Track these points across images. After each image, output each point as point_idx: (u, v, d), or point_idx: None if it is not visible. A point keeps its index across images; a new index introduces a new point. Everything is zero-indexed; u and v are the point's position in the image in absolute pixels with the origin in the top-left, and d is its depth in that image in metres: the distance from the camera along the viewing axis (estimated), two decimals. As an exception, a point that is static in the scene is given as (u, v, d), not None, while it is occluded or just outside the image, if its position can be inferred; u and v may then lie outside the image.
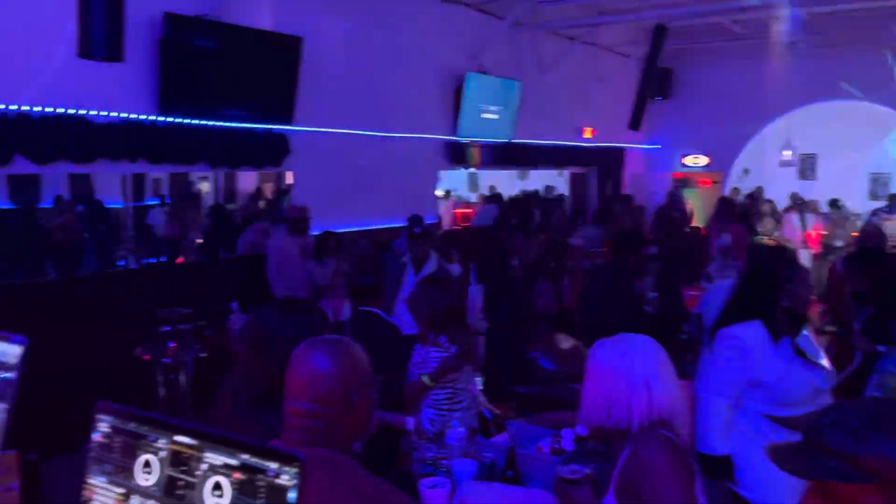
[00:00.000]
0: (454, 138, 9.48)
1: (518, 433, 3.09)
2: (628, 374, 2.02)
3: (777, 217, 11.05)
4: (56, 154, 5.42)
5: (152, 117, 5.99)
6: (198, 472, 1.01)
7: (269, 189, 10.10)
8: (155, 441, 1.06)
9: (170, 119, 6.09)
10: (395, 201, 8.36)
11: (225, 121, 6.49)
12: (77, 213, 7.98)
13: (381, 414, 2.89)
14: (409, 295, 3.61)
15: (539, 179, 13.88)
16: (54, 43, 5.15)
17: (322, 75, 7.28)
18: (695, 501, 1.97)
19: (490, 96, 9.77)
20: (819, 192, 12.40)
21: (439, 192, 11.06)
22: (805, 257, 9.35)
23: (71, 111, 5.45)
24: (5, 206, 7.73)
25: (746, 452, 2.86)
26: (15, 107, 5.13)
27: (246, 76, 6.54)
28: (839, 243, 10.44)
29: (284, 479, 0.95)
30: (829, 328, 4.95)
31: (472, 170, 11.96)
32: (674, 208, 11.04)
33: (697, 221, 11.69)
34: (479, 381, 3.62)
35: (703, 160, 14.32)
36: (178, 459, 1.04)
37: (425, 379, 3.27)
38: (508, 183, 13.86)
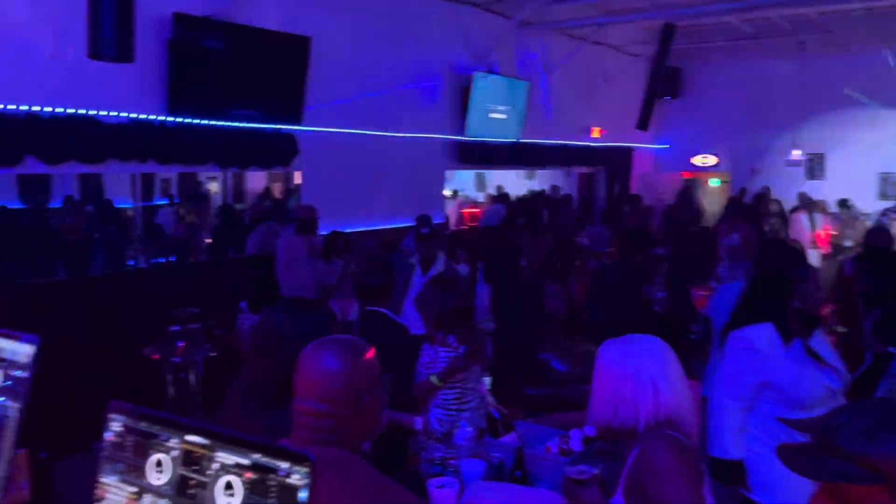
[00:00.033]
0: (462, 138, 9.48)
1: (526, 433, 3.09)
2: (635, 373, 2.02)
3: (785, 217, 11.00)
4: (66, 154, 5.45)
5: (161, 117, 6.02)
6: (209, 472, 1.02)
7: (277, 189, 10.12)
8: (167, 440, 1.07)
9: (179, 119, 6.12)
10: (402, 201, 8.37)
11: (234, 121, 6.52)
12: (87, 213, 8.02)
13: (389, 413, 2.89)
14: (418, 295, 3.61)
15: (546, 179, 13.85)
16: (64, 44, 5.19)
17: (330, 75, 7.29)
18: (703, 502, 1.97)
19: (497, 96, 9.77)
20: (828, 191, 12.33)
21: (447, 192, 11.07)
22: (814, 257, 9.31)
23: (81, 112, 5.48)
24: (16, 206, 7.78)
25: (759, 456, 2.83)
26: (25, 107, 5.16)
27: (254, 76, 6.56)
28: (848, 243, 10.39)
29: (295, 479, 0.96)
30: (840, 329, 4.92)
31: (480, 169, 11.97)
32: (682, 208, 11.00)
33: (706, 221, 11.65)
34: (487, 381, 3.61)
35: (711, 160, 14.27)
36: (189, 459, 1.04)
37: (433, 379, 3.27)
38: (516, 183, 13.84)
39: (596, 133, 12.29)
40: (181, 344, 4.99)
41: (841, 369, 2.93)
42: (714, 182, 14.35)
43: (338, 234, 6.98)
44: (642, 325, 4.39)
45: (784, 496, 2.72)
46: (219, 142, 6.46)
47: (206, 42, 6.14)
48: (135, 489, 1.08)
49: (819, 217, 10.78)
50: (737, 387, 2.90)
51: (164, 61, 5.94)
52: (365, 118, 7.95)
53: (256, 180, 10.05)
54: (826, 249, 10.47)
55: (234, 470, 1.00)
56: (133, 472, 1.09)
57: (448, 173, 10.20)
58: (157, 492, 1.06)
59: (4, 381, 1.36)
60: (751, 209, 10.34)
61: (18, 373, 1.34)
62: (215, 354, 5.12)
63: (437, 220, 8.34)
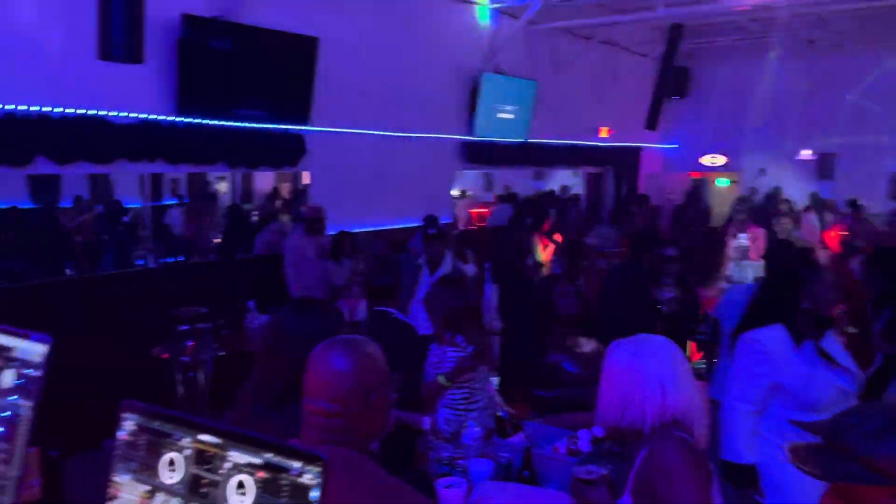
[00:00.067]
0: (470, 138, 9.49)
1: (535, 433, 3.09)
2: (642, 374, 2.02)
3: (795, 217, 10.94)
4: (76, 154, 5.48)
5: (171, 118, 6.05)
6: (222, 471, 1.03)
7: (285, 189, 10.15)
8: (179, 439, 1.07)
9: (188, 119, 6.15)
10: (410, 201, 8.37)
11: (242, 121, 6.54)
12: (96, 213, 8.06)
13: (397, 413, 2.90)
14: (426, 295, 3.61)
15: (554, 179, 13.84)
16: (74, 45, 5.22)
17: (338, 75, 7.31)
18: (711, 503, 1.97)
19: (506, 96, 9.77)
20: (838, 192, 12.27)
21: (455, 192, 11.07)
22: (824, 258, 9.26)
23: (91, 112, 5.51)
24: (26, 206, 7.83)
25: (772, 460, 2.80)
26: (36, 108, 5.20)
27: (263, 76, 6.58)
28: (859, 244, 10.32)
29: (307, 479, 0.96)
30: (851, 329, 4.89)
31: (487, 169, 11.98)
32: (691, 208, 10.97)
33: (714, 221, 11.62)
34: (494, 381, 3.62)
35: (720, 160, 14.22)
36: (202, 458, 1.05)
37: (441, 379, 3.28)
38: (523, 183, 13.82)
39: (604, 133, 12.27)
40: (190, 343, 5.02)
41: (854, 370, 2.90)
42: (723, 182, 14.30)
43: (345, 234, 6.99)
44: (650, 325, 4.38)
45: (797, 500, 2.69)
46: (227, 142, 6.49)
47: (215, 43, 6.17)
48: (147, 488, 1.09)
49: (829, 217, 10.73)
50: (748, 389, 2.88)
51: (173, 62, 5.97)
52: (373, 118, 7.97)
53: (264, 180, 10.09)
54: (836, 250, 10.41)
55: (246, 469, 1.01)
56: (146, 470, 1.09)
57: (456, 173, 10.21)
58: (169, 491, 1.07)
59: (17, 380, 1.37)
60: (760, 209, 10.31)
61: (31, 372, 1.35)
62: (224, 354, 5.15)
63: (444, 220, 8.34)
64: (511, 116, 9.95)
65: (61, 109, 5.33)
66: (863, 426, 1.41)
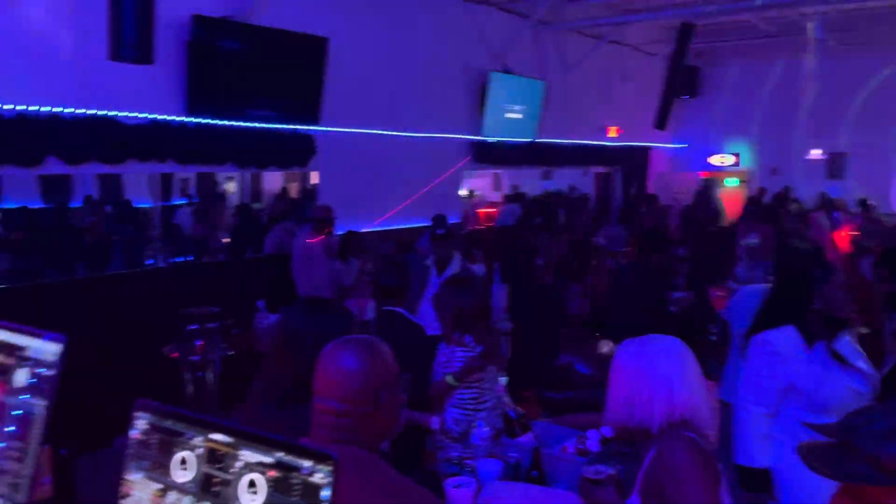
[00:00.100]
0: (478, 138, 9.49)
1: (543, 434, 3.09)
2: (651, 374, 2.02)
3: (804, 217, 10.89)
4: (87, 155, 5.52)
5: (180, 118, 6.07)
6: (233, 470, 1.03)
7: (294, 189, 10.17)
8: (191, 438, 1.08)
9: (197, 120, 6.17)
10: (419, 201, 8.38)
11: (252, 121, 6.56)
12: (106, 213, 8.10)
13: (406, 413, 2.90)
14: (435, 295, 3.62)
15: (563, 179, 13.81)
16: (85, 46, 5.25)
17: (347, 76, 7.32)
18: (720, 503, 1.96)
19: (514, 96, 9.76)
20: (848, 191, 12.20)
21: (463, 192, 11.07)
22: (834, 258, 9.21)
23: (101, 113, 5.54)
24: (37, 206, 7.88)
25: (784, 463, 2.77)
26: (47, 108, 5.23)
27: (272, 77, 6.60)
28: (869, 244, 10.26)
29: (318, 478, 0.97)
30: (863, 330, 4.86)
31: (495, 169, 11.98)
32: (700, 208, 10.93)
33: (724, 221, 11.57)
34: (503, 381, 3.61)
35: (729, 159, 14.16)
36: (213, 457, 1.06)
37: (449, 379, 3.28)
38: (532, 183, 13.81)
39: (613, 132, 12.24)
40: (199, 343, 5.03)
41: (868, 371, 2.87)
42: (732, 182, 14.24)
43: (353, 234, 7.00)
44: (659, 325, 4.36)
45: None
46: (237, 142, 6.51)
47: (225, 43, 6.19)
48: (160, 486, 1.10)
49: (839, 217, 10.67)
50: (761, 392, 2.85)
51: (183, 63, 5.99)
52: (382, 118, 7.98)
53: (273, 180, 10.11)
54: (846, 250, 10.36)
55: (257, 468, 1.01)
56: (158, 469, 1.10)
57: (464, 173, 10.21)
58: (181, 489, 1.08)
59: (30, 379, 1.38)
60: (770, 209, 10.26)
61: (45, 371, 1.36)
62: (233, 353, 5.17)
63: (452, 221, 8.34)
64: (519, 116, 9.94)
65: (72, 110, 5.37)
66: (872, 426, 1.40)
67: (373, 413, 1.70)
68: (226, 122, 6.38)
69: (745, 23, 11.09)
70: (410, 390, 2.67)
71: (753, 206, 10.66)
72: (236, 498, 1.02)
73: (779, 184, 12.73)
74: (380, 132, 7.99)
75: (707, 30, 11.21)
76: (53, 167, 5.40)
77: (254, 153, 6.76)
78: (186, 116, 6.09)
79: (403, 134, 8.27)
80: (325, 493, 0.96)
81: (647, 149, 13.49)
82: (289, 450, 1.00)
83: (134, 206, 8.49)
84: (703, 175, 14.09)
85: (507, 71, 9.54)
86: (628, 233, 9.12)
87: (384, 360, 1.76)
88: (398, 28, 8.09)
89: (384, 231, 7.89)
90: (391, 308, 3.83)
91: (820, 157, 12.98)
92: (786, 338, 2.84)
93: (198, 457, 1.07)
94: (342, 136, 7.51)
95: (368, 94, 7.76)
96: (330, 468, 0.96)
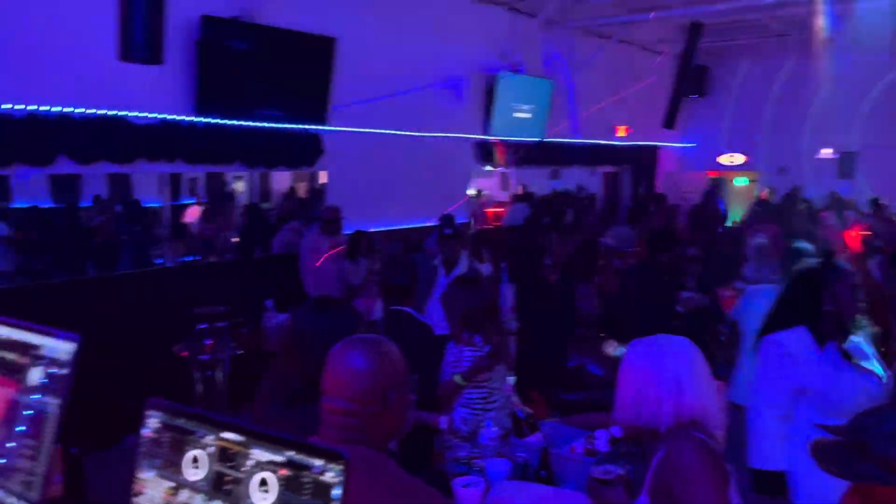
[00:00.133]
0: (486, 137, 9.48)
1: (552, 433, 3.09)
2: (659, 373, 2.02)
3: (814, 217, 10.83)
4: (97, 154, 5.55)
5: (189, 118, 6.10)
6: (244, 468, 1.04)
7: (302, 189, 10.20)
8: (203, 437, 1.09)
9: (206, 120, 6.20)
10: (427, 201, 8.39)
11: (260, 121, 6.58)
12: (115, 213, 8.15)
13: (415, 413, 2.90)
14: (443, 294, 3.62)
15: (571, 179, 13.79)
16: (96, 46, 5.28)
17: (355, 75, 7.33)
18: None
19: (522, 95, 9.75)
20: (859, 191, 12.13)
21: (471, 192, 11.07)
22: (844, 258, 9.16)
23: (111, 113, 5.57)
24: (48, 206, 7.93)
25: (799, 465, 2.74)
26: (58, 108, 5.26)
27: (281, 77, 6.62)
28: (880, 243, 10.19)
29: (329, 477, 0.97)
30: (874, 329, 4.83)
31: (501, 169, 11.97)
32: (709, 208, 10.90)
33: (733, 221, 11.53)
34: (511, 381, 3.62)
35: (738, 159, 14.11)
36: (225, 455, 1.07)
37: (457, 378, 3.28)
38: (540, 182, 13.79)
39: (622, 132, 12.21)
40: (208, 342, 5.06)
41: (883, 372, 2.85)
42: (741, 181, 14.18)
43: (361, 234, 7.01)
44: (667, 325, 4.35)
45: None
46: (245, 142, 6.54)
47: (233, 43, 6.21)
48: (172, 484, 1.11)
49: (849, 216, 10.61)
50: (773, 394, 2.83)
51: (192, 63, 6.01)
52: (390, 118, 7.99)
53: (282, 180, 10.14)
54: (856, 250, 10.30)
55: (268, 467, 1.02)
56: (170, 467, 1.11)
57: (472, 173, 10.21)
58: (193, 487, 1.09)
59: (44, 378, 1.39)
60: (779, 209, 10.22)
61: (58, 370, 1.37)
62: (242, 352, 5.19)
63: (460, 220, 8.35)
64: (528, 116, 9.93)
65: (82, 110, 5.40)
66: (882, 427, 1.40)
67: (381, 413, 1.70)
68: (234, 122, 6.41)
69: (755, 22, 11.03)
70: (419, 390, 2.67)
71: (762, 205, 10.63)
72: (248, 496, 1.03)
73: (788, 183, 12.67)
74: (388, 132, 7.99)
75: (716, 29, 11.16)
76: (63, 167, 5.44)
77: (262, 153, 6.79)
78: (195, 116, 6.12)
79: (411, 133, 8.28)
80: (336, 492, 0.96)
81: (655, 148, 13.45)
82: (300, 449, 1.00)
83: (143, 205, 8.53)
84: (711, 175, 14.04)
85: (515, 70, 9.53)
86: (636, 232, 9.10)
87: (392, 359, 1.76)
88: (406, 28, 8.10)
89: (392, 231, 7.90)
90: (399, 308, 3.84)
91: (830, 156, 12.90)
92: (797, 339, 2.82)
93: (209, 455, 1.08)
94: (350, 136, 7.52)
95: (376, 94, 7.77)
96: (341, 467, 0.97)
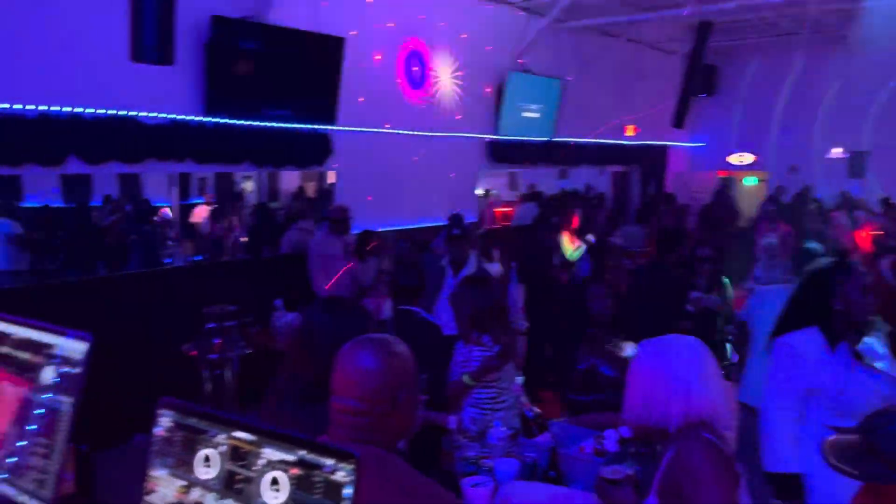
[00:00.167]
0: (495, 137, 9.48)
1: (561, 433, 3.08)
2: (668, 373, 2.01)
3: (825, 217, 10.77)
4: (108, 154, 5.59)
5: (199, 118, 6.12)
6: (256, 467, 1.05)
7: (311, 188, 10.22)
8: (214, 436, 1.10)
9: (216, 120, 6.22)
10: (435, 200, 8.39)
11: (269, 121, 6.60)
12: (125, 212, 8.19)
13: (424, 412, 2.91)
14: (451, 294, 3.62)
15: (579, 178, 13.77)
16: (106, 47, 5.31)
17: (364, 75, 7.34)
18: (738, 504, 1.95)
19: (531, 95, 9.74)
20: (869, 190, 12.05)
21: (479, 191, 11.07)
22: (855, 258, 9.10)
23: (122, 113, 5.60)
24: (58, 205, 7.98)
25: (812, 468, 2.72)
26: (69, 109, 5.30)
27: (290, 77, 6.64)
28: (891, 243, 10.13)
29: (340, 476, 0.98)
30: (889, 329, 4.80)
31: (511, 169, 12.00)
32: (719, 207, 10.85)
33: (743, 220, 11.47)
34: (520, 381, 3.61)
35: (748, 158, 14.04)
36: (236, 454, 1.07)
37: (466, 378, 3.29)
38: (548, 182, 13.77)
39: (630, 131, 12.18)
40: (217, 341, 5.08)
41: (893, 373, 2.82)
42: (751, 181, 14.12)
43: (369, 234, 7.01)
44: (676, 325, 4.34)
45: None
46: (254, 142, 6.56)
47: (243, 43, 6.23)
48: (184, 483, 1.11)
49: (860, 216, 10.55)
50: (785, 395, 2.82)
51: (202, 63, 6.04)
52: (398, 118, 7.99)
53: (291, 180, 10.16)
54: (867, 249, 10.23)
55: (280, 466, 1.03)
56: (182, 466, 1.12)
57: (481, 173, 10.21)
58: (205, 486, 1.09)
59: (56, 377, 1.41)
60: (789, 209, 10.17)
61: (71, 369, 1.38)
62: (251, 352, 5.21)
63: (469, 220, 8.34)
64: (536, 115, 9.92)
65: (93, 110, 5.43)
66: (891, 427, 1.40)
67: (390, 412, 1.71)
68: (243, 122, 6.43)
69: (764, 20, 10.98)
70: (427, 390, 2.67)
71: (772, 205, 10.56)
72: (259, 495, 1.03)
73: (799, 183, 12.60)
74: (396, 131, 8.00)
75: (725, 27, 11.11)
76: (74, 167, 5.47)
77: (271, 152, 6.80)
78: (205, 116, 6.14)
79: (420, 133, 8.28)
80: (347, 492, 0.97)
81: (664, 148, 13.41)
82: (311, 448, 1.01)
83: (152, 205, 8.58)
84: (721, 174, 13.98)
85: (524, 70, 9.52)
86: (646, 232, 9.07)
87: (402, 359, 1.76)
88: (414, 27, 8.10)
89: (401, 230, 7.90)
90: (408, 307, 3.84)
91: (841, 155, 12.83)
92: (808, 339, 2.81)
93: (221, 454, 1.08)
94: (359, 136, 7.53)
95: (385, 94, 7.77)
96: (352, 466, 0.97)
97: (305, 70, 6.76)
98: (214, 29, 6.00)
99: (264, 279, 6.59)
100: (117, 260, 7.57)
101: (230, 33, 6.13)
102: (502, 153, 9.68)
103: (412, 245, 7.14)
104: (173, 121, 5.94)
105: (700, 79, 11.39)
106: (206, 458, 1.10)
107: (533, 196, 11.94)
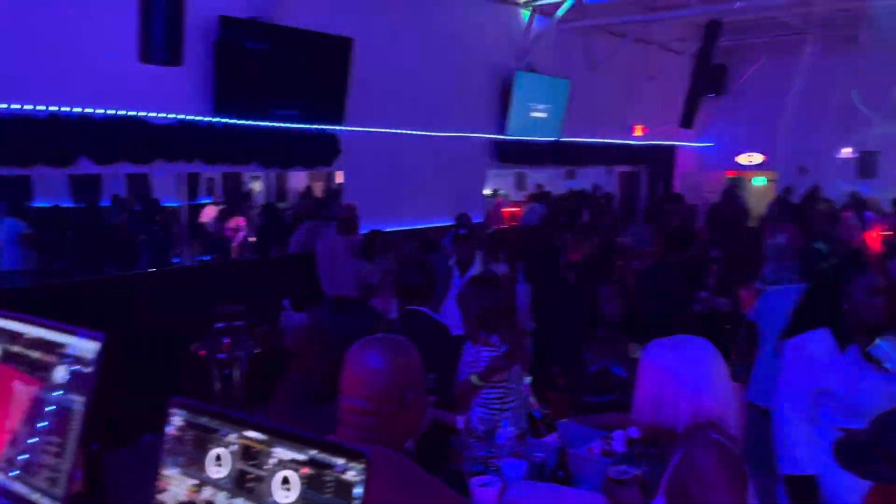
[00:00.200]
0: (502, 137, 9.47)
1: (569, 434, 3.08)
2: (677, 374, 2.01)
3: (834, 217, 10.71)
4: (117, 155, 5.61)
5: (207, 118, 6.14)
6: (267, 466, 1.05)
7: (318, 188, 10.24)
8: (226, 435, 1.10)
9: (224, 120, 6.24)
10: (443, 200, 8.39)
11: (277, 121, 6.62)
12: (134, 212, 8.23)
13: (432, 412, 2.91)
14: (459, 295, 3.62)
15: (587, 178, 13.74)
16: (116, 48, 5.33)
17: (372, 75, 7.35)
18: (745, 506, 1.94)
19: (539, 95, 9.73)
20: (880, 190, 11.98)
21: (487, 191, 11.07)
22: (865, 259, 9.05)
23: (131, 113, 5.63)
24: (68, 205, 8.02)
25: (827, 469, 2.65)
26: (79, 109, 5.32)
27: (298, 77, 6.65)
28: (903, 244, 10.06)
29: (351, 475, 0.98)
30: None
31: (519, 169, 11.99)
32: (728, 207, 10.81)
33: (751, 221, 11.42)
34: (528, 381, 3.61)
35: (757, 158, 13.98)
36: (248, 453, 1.08)
37: (474, 378, 3.29)
38: (556, 182, 13.75)
39: (638, 131, 12.16)
40: (226, 341, 5.10)
41: None
42: (759, 181, 14.06)
43: (377, 233, 7.02)
44: (684, 325, 4.33)
45: None
46: (263, 142, 6.57)
47: (251, 44, 6.25)
48: (195, 482, 1.12)
49: (870, 217, 10.48)
50: (797, 397, 2.81)
51: (211, 63, 6.06)
52: (406, 118, 8.00)
53: (299, 180, 10.18)
54: (878, 250, 10.17)
55: (291, 465, 1.03)
56: (193, 465, 1.12)
57: (488, 172, 10.21)
58: (216, 485, 1.10)
59: (69, 376, 1.41)
60: (798, 209, 10.12)
61: (83, 368, 1.39)
62: (259, 351, 5.22)
63: (476, 220, 8.34)
64: (544, 115, 9.91)
65: (102, 111, 5.46)
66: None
67: (398, 412, 1.71)
68: (252, 122, 6.44)
69: (773, 19, 10.94)
70: (435, 390, 2.67)
71: (781, 205, 10.52)
72: (270, 494, 1.04)
73: (808, 183, 12.54)
74: (404, 131, 8.01)
75: (734, 27, 11.07)
76: (84, 167, 5.49)
77: (279, 153, 6.82)
78: (213, 116, 6.16)
79: (428, 133, 8.29)
80: (358, 491, 0.97)
81: (672, 148, 13.37)
82: (322, 447, 1.01)
83: (161, 204, 8.60)
84: (729, 174, 13.92)
85: (532, 70, 9.51)
86: (654, 232, 9.05)
87: (410, 359, 1.77)
88: (423, 27, 8.11)
89: (409, 230, 7.91)
90: (415, 308, 3.84)
91: (850, 155, 12.76)
92: (819, 341, 2.79)
93: (232, 453, 1.09)
94: (367, 136, 7.54)
95: (393, 94, 7.78)
96: (362, 466, 0.98)
97: (313, 70, 6.77)
98: (223, 29, 6.01)
99: (273, 279, 6.61)
100: (126, 259, 7.60)
101: (238, 34, 6.15)
102: (510, 153, 9.67)
103: (420, 244, 7.15)
104: (182, 121, 5.96)
105: (709, 78, 11.36)
106: (218, 457, 1.10)
107: (540, 196, 11.93)
